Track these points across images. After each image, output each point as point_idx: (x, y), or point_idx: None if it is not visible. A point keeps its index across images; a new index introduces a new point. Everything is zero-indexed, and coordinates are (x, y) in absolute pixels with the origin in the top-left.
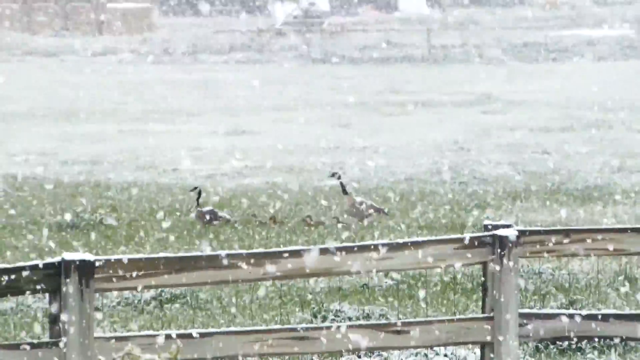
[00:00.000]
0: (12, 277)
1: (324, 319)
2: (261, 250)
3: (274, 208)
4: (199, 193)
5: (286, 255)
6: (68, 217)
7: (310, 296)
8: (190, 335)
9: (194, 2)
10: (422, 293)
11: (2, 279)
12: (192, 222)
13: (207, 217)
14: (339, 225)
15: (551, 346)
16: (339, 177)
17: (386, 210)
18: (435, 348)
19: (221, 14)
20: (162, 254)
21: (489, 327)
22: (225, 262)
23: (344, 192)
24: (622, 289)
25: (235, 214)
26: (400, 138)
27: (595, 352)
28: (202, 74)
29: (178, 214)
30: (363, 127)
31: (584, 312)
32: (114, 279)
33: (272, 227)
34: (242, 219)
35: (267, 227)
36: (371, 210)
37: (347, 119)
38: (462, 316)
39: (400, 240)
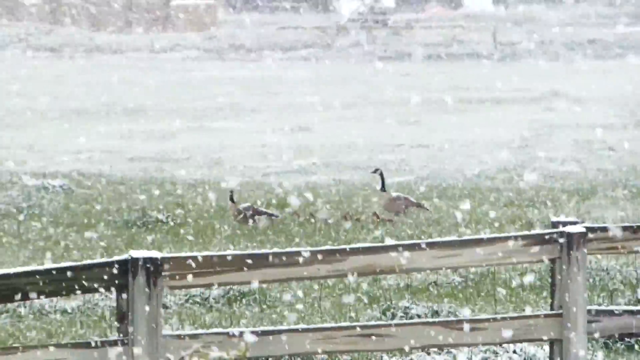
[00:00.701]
0: (80, 275)
1: (393, 316)
2: (330, 247)
3: (340, 205)
4: (231, 192)
5: (355, 252)
6: (135, 214)
7: (379, 293)
8: (259, 333)
9: None
10: (490, 290)
11: (70, 277)
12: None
13: (248, 213)
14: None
15: (619, 343)
16: (381, 173)
17: (426, 206)
18: (503, 345)
19: (286, 11)
20: (230, 251)
21: (558, 324)
22: (293, 259)
23: (382, 188)
24: None
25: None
26: (466, 135)
27: None
28: (267, 70)
29: None
30: (428, 124)
31: None
32: (182, 277)
33: (346, 223)
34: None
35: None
36: (403, 205)
37: (412, 116)
38: (530, 313)
39: (469, 237)
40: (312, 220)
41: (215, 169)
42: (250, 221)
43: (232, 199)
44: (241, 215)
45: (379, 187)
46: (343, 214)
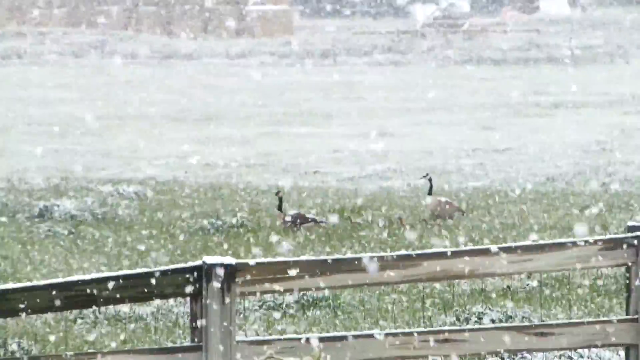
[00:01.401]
0: (154, 281)
1: (467, 321)
2: (404, 252)
3: (414, 209)
4: (280, 199)
5: (429, 257)
6: (209, 220)
7: (452, 298)
8: (332, 338)
9: (334, 4)
10: (564, 295)
11: (144, 283)
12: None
13: (296, 220)
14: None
15: None
16: (430, 178)
17: (464, 211)
18: (578, 350)
19: (362, 16)
20: (303, 257)
21: (633, 329)
22: (366, 264)
23: (430, 192)
24: None
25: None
26: (542, 139)
27: None
28: (343, 75)
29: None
30: (504, 128)
31: None
32: (256, 282)
33: (403, 228)
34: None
35: (401, 228)
36: (448, 210)
37: (488, 120)
38: (605, 318)
39: (544, 242)
40: (375, 224)
41: (291, 175)
42: (298, 228)
43: (279, 208)
44: (288, 223)
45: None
46: (394, 219)
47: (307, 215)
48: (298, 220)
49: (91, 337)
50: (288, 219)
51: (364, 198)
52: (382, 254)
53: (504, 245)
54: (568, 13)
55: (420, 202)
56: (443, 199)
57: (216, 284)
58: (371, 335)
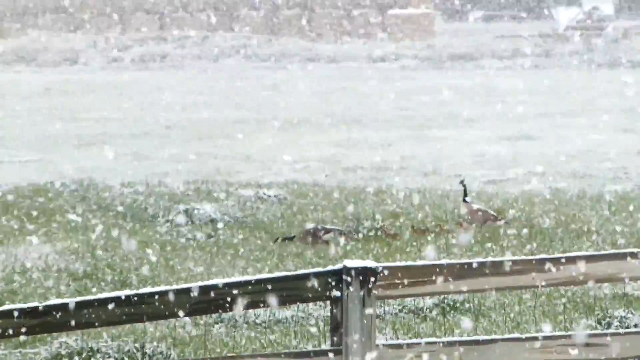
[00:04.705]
0: (294, 285)
1: (609, 325)
2: (544, 256)
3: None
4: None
5: (571, 261)
6: (349, 224)
7: (593, 302)
8: (472, 342)
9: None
10: None
11: (284, 287)
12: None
13: (320, 233)
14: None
15: None
16: (464, 184)
17: (500, 218)
18: None
19: (503, 19)
20: (444, 261)
21: None
22: (508, 268)
23: (464, 199)
24: None
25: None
26: None
27: None
28: (484, 79)
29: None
30: None
31: None
32: (396, 286)
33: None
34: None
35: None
36: (482, 218)
37: (631, 123)
38: None
39: None
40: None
41: (432, 178)
42: (320, 240)
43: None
44: (309, 237)
45: (467, 198)
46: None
47: (327, 227)
48: (320, 232)
49: (230, 341)
50: (309, 232)
51: (501, 201)
52: (523, 257)
53: None
54: None
55: (563, 205)
56: (475, 207)
57: (356, 288)
58: (511, 339)
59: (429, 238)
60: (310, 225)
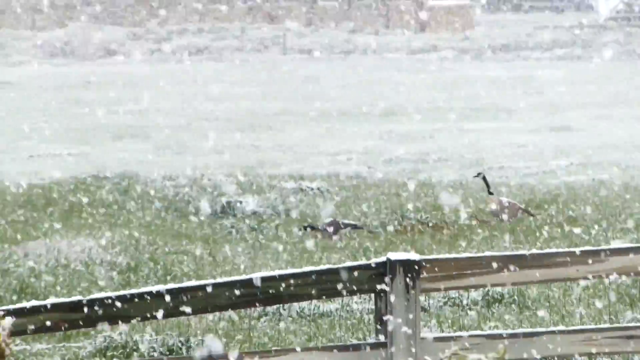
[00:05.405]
0: (339, 277)
1: None
2: (588, 248)
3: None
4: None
5: (616, 252)
6: (392, 216)
7: (638, 294)
8: (517, 335)
9: None
10: None
11: (329, 280)
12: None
13: (330, 228)
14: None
15: None
16: (484, 177)
17: (532, 212)
18: None
19: (542, 10)
20: (487, 253)
21: None
22: (552, 260)
23: (489, 192)
24: None
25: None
26: None
27: None
28: (524, 70)
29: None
30: None
31: None
32: (440, 279)
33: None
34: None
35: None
36: (508, 210)
37: None
38: None
39: None
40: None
41: (473, 170)
42: (335, 236)
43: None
44: (324, 232)
45: (488, 191)
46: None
47: (343, 221)
48: (333, 228)
49: (275, 334)
50: (324, 227)
51: (542, 193)
52: (565, 249)
53: None
54: None
55: (605, 197)
56: (504, 200)
57: (400, 281)
58: (556, 332)
59: (479, 230)
60: (327, 220)
